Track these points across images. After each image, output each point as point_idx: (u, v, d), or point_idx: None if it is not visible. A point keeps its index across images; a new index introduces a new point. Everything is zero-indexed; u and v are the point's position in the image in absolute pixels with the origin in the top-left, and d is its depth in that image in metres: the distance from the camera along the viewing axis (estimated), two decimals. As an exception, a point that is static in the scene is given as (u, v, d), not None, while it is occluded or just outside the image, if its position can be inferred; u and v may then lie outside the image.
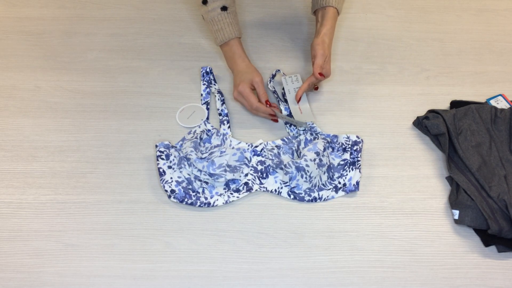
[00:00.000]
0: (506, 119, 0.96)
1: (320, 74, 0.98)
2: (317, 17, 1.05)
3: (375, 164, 0.95)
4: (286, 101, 1.03)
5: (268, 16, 1.23)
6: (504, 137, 0.95)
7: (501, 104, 1.02)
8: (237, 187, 0.89)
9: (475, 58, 1.14)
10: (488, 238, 0.84)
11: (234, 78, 1.02)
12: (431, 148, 0.98)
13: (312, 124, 0.97)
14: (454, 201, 0.88)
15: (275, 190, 0.90)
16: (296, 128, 0.99)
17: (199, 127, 0.98)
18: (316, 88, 1.04)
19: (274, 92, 1.05)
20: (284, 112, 1.01)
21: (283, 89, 1.04)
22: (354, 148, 0.92)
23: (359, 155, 0.92)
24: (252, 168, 0.90)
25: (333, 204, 0.90)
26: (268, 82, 1.06)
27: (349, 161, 0.92)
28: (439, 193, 0.92)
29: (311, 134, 0.96)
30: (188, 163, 0.88)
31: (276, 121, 1.00)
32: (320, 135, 0.96)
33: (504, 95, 1.04)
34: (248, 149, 0.93)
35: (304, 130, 0.97)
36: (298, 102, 1.00)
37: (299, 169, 0.87)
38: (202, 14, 1.01)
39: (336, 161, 0.91)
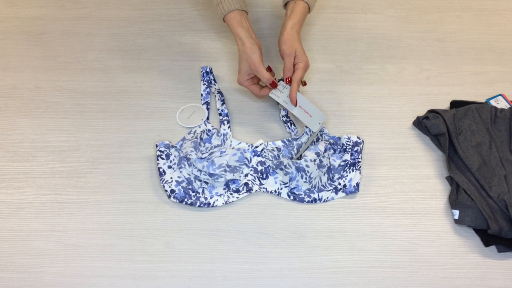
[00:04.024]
0: (506, 119, 0.96)
1: (288, 80, 0.94)
2: (287, 10, 1.00)
3: (375, 164, 0.95)
4: (286, 116, 1.01)
5: (268, 15, 1.23)
6: (504, 137, 0.95)
7: (501, 104, 1.02)
8: (237, 187, 0.89)
9: (475, 58, 1.14)
10: (488, 238, 0.84)
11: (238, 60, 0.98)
12: (431, 148, 0.98)
13: (324, 128, 0.96)
14: (454, 201, 0.88)
15: (275, 191, 0.90)
16: (295, 129, 0.99)
17: (199, 127, 0.98)
18: (304, 84, 0.98)
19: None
20: (282, 112, 1.01)
21: (278, 104, 1.02)
22: (355, 149, 0.92)
23: (359, 156, 0.92)
24: (252, 169, 0.90)
25: (333, 204, 0.90)
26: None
27: (349, 162, 0.92)
28: (439, 193, 0.92)
29: (316, 135, 0.95)
30: (188, 163, 0.88)
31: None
32: (325, 135, 0.96)
33: (504, 95, 1.04)
34: (248, 149, 0.93)
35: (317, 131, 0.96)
36: (295, 105, 0.94)
37: (299, 169, 0.87)
38: None
39: (336, 163, 0.91)
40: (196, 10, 1.23)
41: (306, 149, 0.91)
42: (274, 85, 0.94)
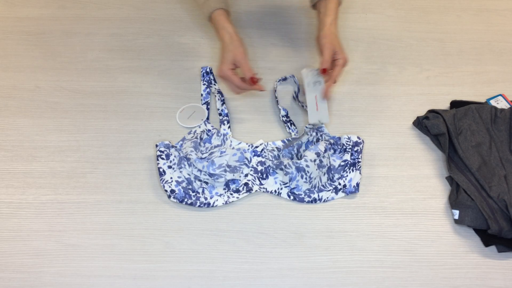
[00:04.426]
0: (506, 119, 0.96)
1: (324, 70, 0.94)
2: (319, 8, 1.01)
3: (375, 164, 0.95)
4: (286, 116, 1.01)
5: (268, 15, 1.22)
6: (504, 137, 0.95)
7: (501, 104, 1.02)
8: (237, 187, 0.89)
9: (475, 58, 1.14)
10: (488, 238, 0.84)
11: (220, 53, 0.99)
12: (431, 148, 0.98)
13: (322, 126, 0.97)
14: (454, 201, 0.88)
15: (275, 191, 0.90)
16: (295, 130, 0.99)
17: (199, 127, 0.98)
18: (334, 81, 0.99)
19: (275, 92, 1.05)
20: (282, 112, 1.01)
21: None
22: (355, 149, 0.92)
23: (359, 156, 0.92)
24: (252, 169, 0.90)
25: (333, 204, 0.90)
26: (275, 88, 1.06)
27: (349, 162, 0.92)
28: (439, 193, 0.92)
29: (316, 134, 0.95)
30: (188, 163, 0.88)
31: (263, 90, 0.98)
32: (325, 135, 0.96)
33: (504, 95, 1.04)
34: (248, 149, 0.93)
35: (312, 128, 0.96)
36: (328, 99, 0.97)
37: (299, 169, 0.87)
38: None
39: (337, 163, 0.91)
40: (196, 10, 1.23)
41: (297, 140, 0.92)
42: (253, 80, 0.94)
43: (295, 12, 1.24)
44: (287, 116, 1.01)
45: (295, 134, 0.98)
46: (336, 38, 0.96)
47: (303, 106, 1.02)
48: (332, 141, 0.93)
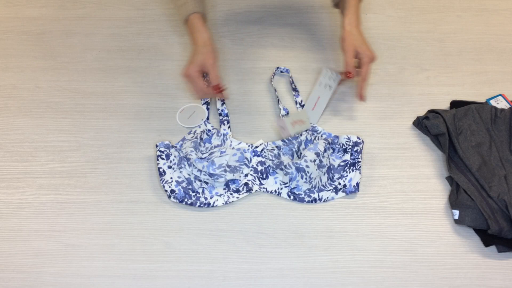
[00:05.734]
0: (506, 119, 0.96)
1: (348, 73, 0.95)
2: (340, 8, 1.02)
3: (375, 164, 0.95)
4: (286, 116, 1.01)
5: (268, 15, 1.23)
6: (504, 137, 0.95)
7: (501, 104, 1.02)
8: (237, 187, 0.89)
9: (475, 58, 1.14)
10: (488, 238, 0.84)
11: (190, 54, 0.97)
12: (431, 148, 0.98)
13: (315, 126, 0.97)
14: (454, 201, 0.88)
15: (275, 191, 0.90)
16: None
17: (199, 127, 0.98)
18: (364, 80, 0.99)
19: (275, 90, 1.05)
20: (283, 112, 1.01)
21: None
22: (355, 149, 0.92)
23: (359, 156, 0.92)
24: (252, 169, 0.90)
25: (333, 204, 0.90)
26: (271, 79, 1.07)
27: (349, 162, 0.92)
28: (439, 193, 0.92)
29: (313, 134, 0.96)
30: (188, 163, 0.88)
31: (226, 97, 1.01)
32: (322, 134, 0.96)
33: (504, 95, 1.04)
34: (248, 149, 0.93)
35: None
36: (364, 100, 1.00)
37: (299, 169, 0.87)
38: None
39: (336, 162, 0.91)
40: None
41: (296, 139, 0.93)
42: (216, 88, 0.94)
43: (295, 12, 1.24)
44: (287, 116, 1.01)
45: (294, 135, 0.98)
46: (356, 38, 0.95)
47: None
48: (329, 139, 0.93)
